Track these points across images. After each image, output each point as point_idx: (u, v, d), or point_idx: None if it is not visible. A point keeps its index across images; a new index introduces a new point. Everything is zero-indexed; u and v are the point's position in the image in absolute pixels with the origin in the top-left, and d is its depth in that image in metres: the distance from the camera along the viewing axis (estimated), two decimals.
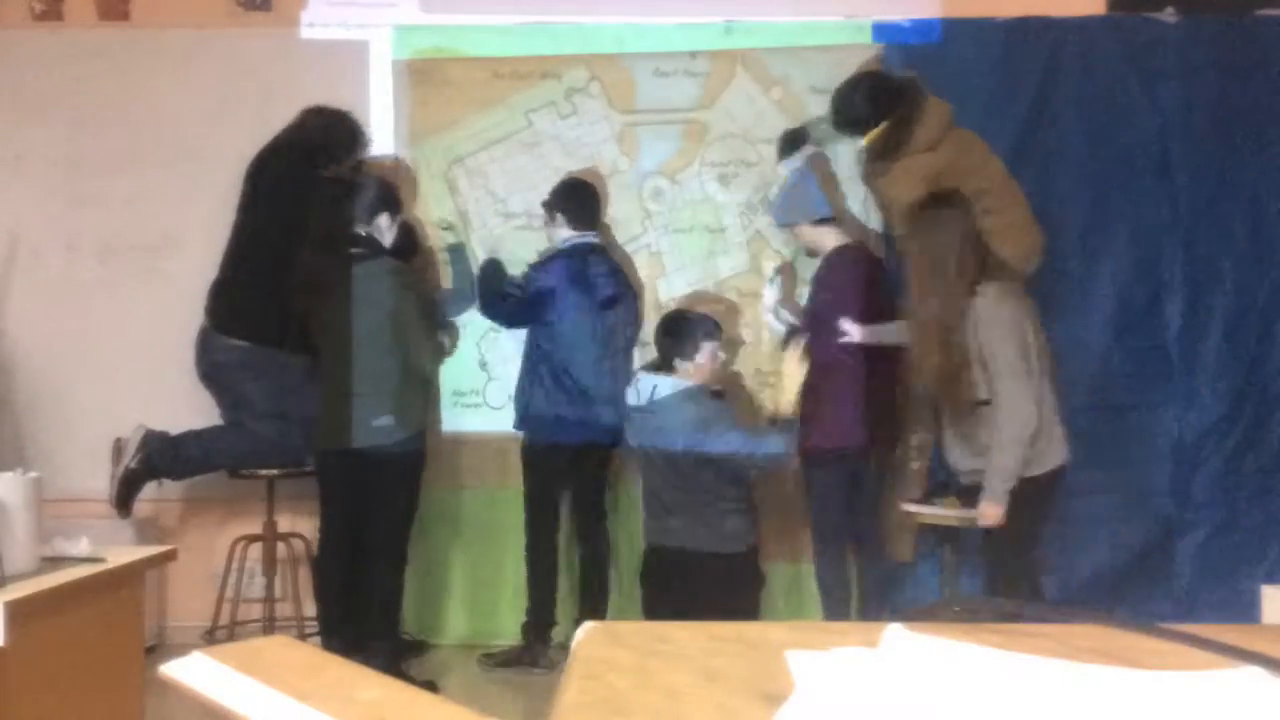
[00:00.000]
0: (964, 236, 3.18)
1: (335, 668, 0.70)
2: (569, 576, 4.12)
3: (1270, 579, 3.65)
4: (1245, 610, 3.28)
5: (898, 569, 4.07)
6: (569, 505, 4.09)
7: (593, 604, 3.96)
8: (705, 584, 3.51)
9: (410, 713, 0.63)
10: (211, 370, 3.94)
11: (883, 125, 3.78)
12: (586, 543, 4.05)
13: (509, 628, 4.12)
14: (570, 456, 3.98)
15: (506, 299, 4.08)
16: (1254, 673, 0.58)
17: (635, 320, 4.17)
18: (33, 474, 2.07)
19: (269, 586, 4.09)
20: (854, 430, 3.71)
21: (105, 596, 2.16)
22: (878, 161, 3.84)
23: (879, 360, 3.71)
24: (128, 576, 2.25)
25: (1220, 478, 4.15)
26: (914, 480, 4.04)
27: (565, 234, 4.04)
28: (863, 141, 3.90)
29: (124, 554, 2.27)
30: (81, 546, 2.17)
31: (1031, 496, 3.22)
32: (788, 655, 0.63)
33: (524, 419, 4.04)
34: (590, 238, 4.06)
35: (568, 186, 4.11)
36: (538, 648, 3.95)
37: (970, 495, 3.61)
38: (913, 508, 3.79)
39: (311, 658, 0.71)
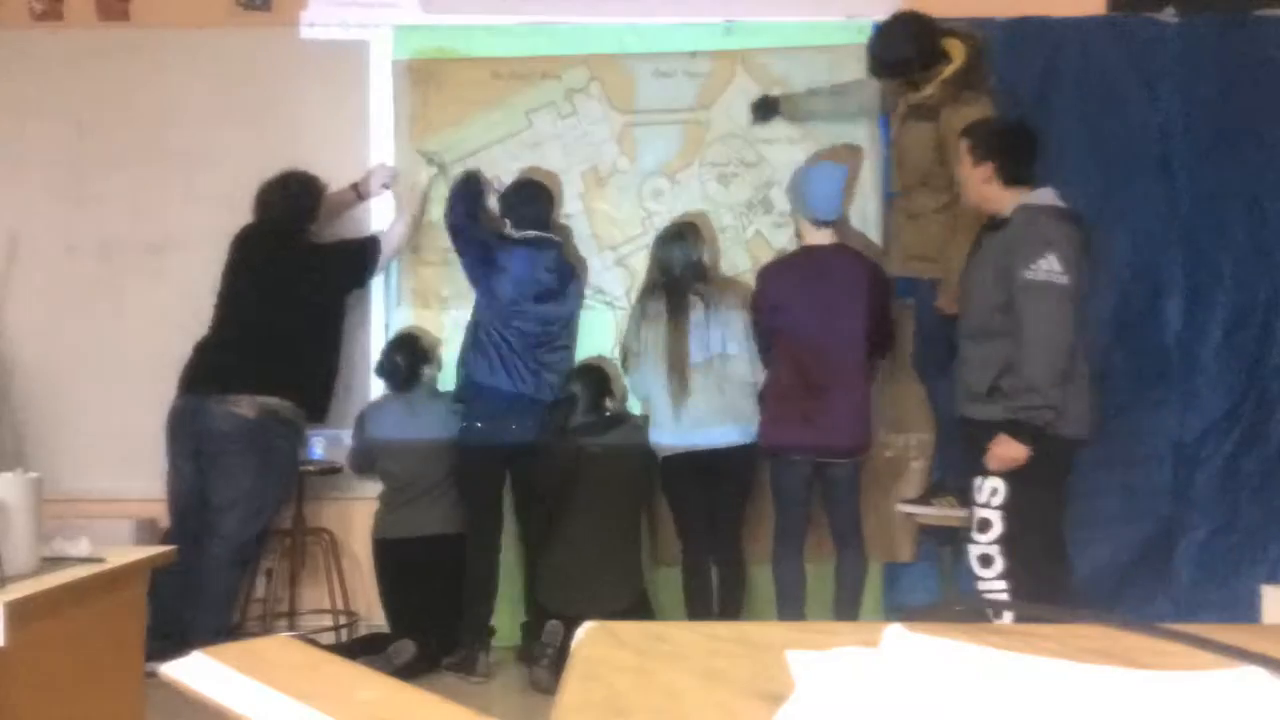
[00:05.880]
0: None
1: (335, 667, 0.70)
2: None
3: (1270, 579, 3.65)
4: (1245, 610, 3.28)
5: (885, 570, 4.06)
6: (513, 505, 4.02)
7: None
8: None
9: (409, 713, 0.63)
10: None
11: (963, 59, 3.61)
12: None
13: (507, 630, 4.07)
14: (504, 456, 3.89)
15: (473, 227, 4.05)
16: (1254, 673, 0.58)
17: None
18: (33, 474, 2.07)
19: (270, 586, 4.09)
20: (784, 430, 3.65)
21: (105, 596, 2.16)
22: (943, 103, 3.62)
23: (839, 362, 3.62)
24: (128, 576, 2.25)
25: (1220, 478, 4.15)
26: (913, 480, 4.04)
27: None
28: (936, 76, 3.64)
29: (124, 554, 2.27)
30: (81, 546, 2.17)
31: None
32: (788, 655, 0.63)
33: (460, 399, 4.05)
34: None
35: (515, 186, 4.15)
36: (475, 655, 3.81)
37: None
38: (909, 509, 3.77)
39: (311, 658, 0.71)
